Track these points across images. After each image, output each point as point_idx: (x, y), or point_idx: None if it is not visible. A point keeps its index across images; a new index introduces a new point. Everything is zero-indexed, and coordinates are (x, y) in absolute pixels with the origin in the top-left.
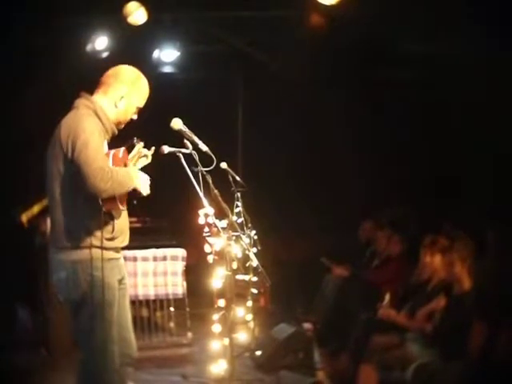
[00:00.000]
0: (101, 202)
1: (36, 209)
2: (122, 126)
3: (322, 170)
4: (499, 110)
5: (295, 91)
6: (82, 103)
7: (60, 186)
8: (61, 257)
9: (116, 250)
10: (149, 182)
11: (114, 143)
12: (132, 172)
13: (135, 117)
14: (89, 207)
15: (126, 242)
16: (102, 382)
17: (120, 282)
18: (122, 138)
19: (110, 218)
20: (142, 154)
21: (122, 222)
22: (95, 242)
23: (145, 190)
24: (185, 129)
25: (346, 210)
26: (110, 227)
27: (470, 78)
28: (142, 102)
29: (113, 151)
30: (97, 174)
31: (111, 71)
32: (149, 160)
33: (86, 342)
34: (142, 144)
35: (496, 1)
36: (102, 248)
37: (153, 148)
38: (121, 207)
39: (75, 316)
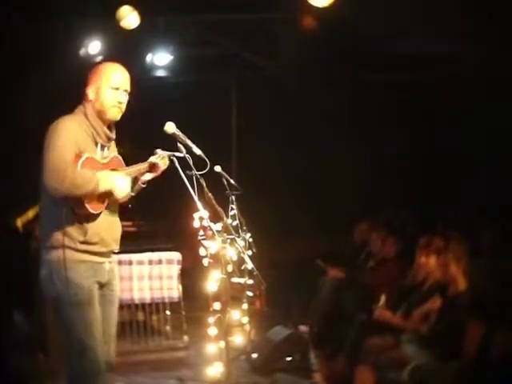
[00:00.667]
0: (71, 204)
1: (31, 214)
2: (112, 116)
3: (317, 172)
4: (497, 112)
5: (289, 93)
6: (77, 108)
7: (41, 188)
8: (43, 255)
9: (93, 253)
10: (128, 187)
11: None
12: (101, 175)
13: (121, 98)
14: (60, 209)
15: (108, 249)
16: (88, 373)
17: (103, 286)
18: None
19: (85, 220)
20: (160, 158)
21: (101, 229)
22: (68, 243)
23: (120, 193)
24: (178, 132)
25: (341, 212)
26: (83, 230)
27: (468, 79)
28: (113, 81)
29: (86, 155)
30: (51, 172)
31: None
32: (162, 170)
33: (67, 339)
34: (160, 155)
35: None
36: (65, 247)
37: (165, 154)
38: (91, 211)
39: (55, 313)
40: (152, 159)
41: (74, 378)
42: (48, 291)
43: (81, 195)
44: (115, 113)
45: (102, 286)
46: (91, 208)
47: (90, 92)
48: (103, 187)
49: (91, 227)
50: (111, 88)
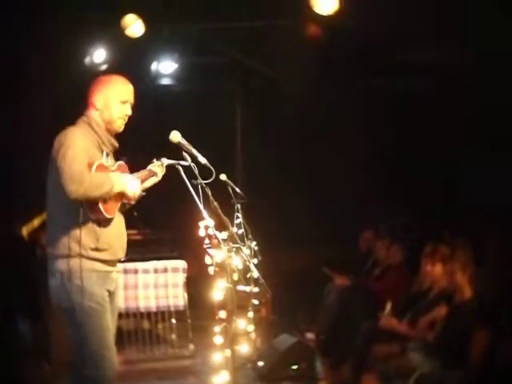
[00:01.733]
0: (82, 210)
1: (36, 222)
2: (118, 126)
3: (322, 180)
4: (498, 117)
5: (294, 101)
6: (81, 119)
7: (51, 197)
8: (53, 265)
9: (105, 262)
10: (139, 188)
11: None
12: (113, 177)
13: (127, 111)
14: (73, 216)
15: (115, 256)
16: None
17: (110, 295)
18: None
19: (97, 226)
20: (151, 174)
21: (112, 236)
22: (82, 251)
23: (133, 194)
24: (183, 141)
25: (347, 220)
26: (94, 237)
27: (469, 85)
28: (121, 95)
29: (98, 162)
30: (71, 175)
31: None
32: (159, 178)
33: (79, 348)
34: (158, 163)
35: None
36: (81, 256)
37: (161, 161)
38: (106, 215)
39: (68, 323)
40: (150, 167)
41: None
42: (61, 302)
43: (97, 198)
44: (121, 124)
45: (109, 294)
46: (106, 212)
47: (98, 102)
48: (117, 188)
49: (102, 233)
50: (120, 101)
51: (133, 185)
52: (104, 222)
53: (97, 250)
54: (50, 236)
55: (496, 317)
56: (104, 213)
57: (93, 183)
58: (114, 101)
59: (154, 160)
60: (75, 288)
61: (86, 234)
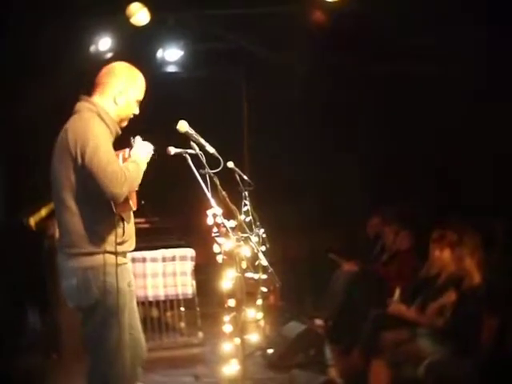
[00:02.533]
0: (114, 207)
1: (44, 212)
2: (125, 123)
3: (330, 166)
4: (501, 104)
5: (300, 87)
6: (84, 106)
7: (71, 193)
8: (71, 263)
9: (124, 254)
10: (150, 148)
11: (116, 143)
12: (137, 159)
13: (137, 111)
14: (100, 212)
15: (133, 246)
16: None
17: (128, 284)
18: (125, 138)
19: (122, 221)
20: None
21: (131, 226)
22: (108, 247)
23: (150, 153)
24: (191, 131)
25: (355, 205)
26: (120, 231)
27: (473, 70)
28: (140, 95)
29: (120, 152)
30: (111, 179)
31: (104, 70)
32: (151, 150)
33: (98, 347)
34: (138, 137)
35: None
36: (116, 254)
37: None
38: (132, 206)
39: (86, 322)
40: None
41: (103, 381)
42: (79, 301)
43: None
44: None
45: (128, 284)
46: (134, 204)
47: (119, 99)
48: (144, 167)
49: (126, 225)
50: (137, 101)
51: (147, 150)
52: (129, 214)
53: (122, 243)
54: (68, 233)
55: (505, 303)
56: (132, 205)
57: (130, 181)
58: (132, 98)
59: (132, 141)
60: (102, 285)
61: (114, 229)
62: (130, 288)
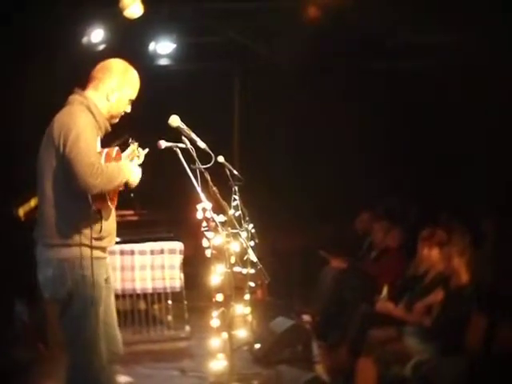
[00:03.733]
0: (91, 201)
1: (33, 202)
2: (116, 120)
3: (320, 162)
4: (498, 101)
5: (292, 82)
6: (75, 99)
7: (51, 182)
8: (48, 254)
9: (103, 249)
10: (140, 174)
11: (109, 138)
12: (123, 166)
13: (129, 109)
14: (79, 205)
15: (112, 243)
16: (91, 378)
17: (106, 280)
18: (117, 132)
19: (99, 217)
20: (136, 154)
21: (110, 223)
22: (84, 240)
23: (136, 180)
24: (183, 126)
25: (344, 202)
26: (98, 226)
27: (468, 65)
28: (133, 94)
29: (106, 150)
30: (86, 169)
31: (100, 66)
32: (140, 160)
33: (74, 340)
34: (136, 144)
35: None
36: (92, 247)
37: (146, 149)
38: (110, 206)
39: (62, 314)
40: (133, 149)
41: (80, 374)
42: (54, 292)
43: (109, 190)
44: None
45: (105, 280)
46: (111, 203)
47: (113, 96)
48: (126, 177)
49: (104, 222)
50: (129, 99)
51: (137, 173)
52: (108, 211)
53: (100, 239)
54: (46, 224)
55: (493, 302)
56: (109, 204)
57: (109, 176)
58: (126, 97)
59: (130, 141)
60: (78, 277)
61: (90, 224)
62: (107, 284)
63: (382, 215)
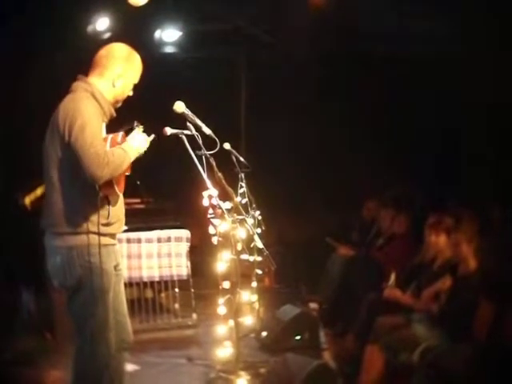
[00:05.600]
0: (97, 187)
1: (39, 191)
2: (119, 104)
3: (326, 149)
4: (501, 87)
5: (298, 69)
6: (79, 86)
7: (58, 170)
8: (56, 242)
9: (111, 236)
10: (146, 140)
11: (114, 124)
12: (127, 148)
13: (131, 93)
14: (86, 192)
15: (121, 229)
16: (99, 367)
17: (115, 267)
18: (123, 119)
19: (107, 203)
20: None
21: (118, 208)
22: (92, 227)
23: (143, 148)
24: (188, 112)
25: (351, 189)
26: (105, 212)
27: (464, 52)
28: (137, 78)
29: (111, 135)
30: (93, 161)
31: (103, 51)
32: (146, 146)
33: (82, 327)
34: (141, 128)
35: None
36: (99, 234)
37: (152, 135)
38: (118, 192)
39: (71, 302)
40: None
41: (89, 361)
42: (63, 280)
43: (116, 176)
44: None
45: (115, 267)
46: (119, 190)
47: (118, 81)
48: (132, 159)
49: (113, 210)
50: (133, 84)
51: (141, 144)
52: (116, 197)
53: (108, 225)
54: (54, 212)
55: (501, 289)
56: (117, 190)
57: (115, 165)
58: (130, 82)
59: (135, 125)
60: (86, 265)
61: (97, 210)
62: (116, 272)
63: (389, 202)
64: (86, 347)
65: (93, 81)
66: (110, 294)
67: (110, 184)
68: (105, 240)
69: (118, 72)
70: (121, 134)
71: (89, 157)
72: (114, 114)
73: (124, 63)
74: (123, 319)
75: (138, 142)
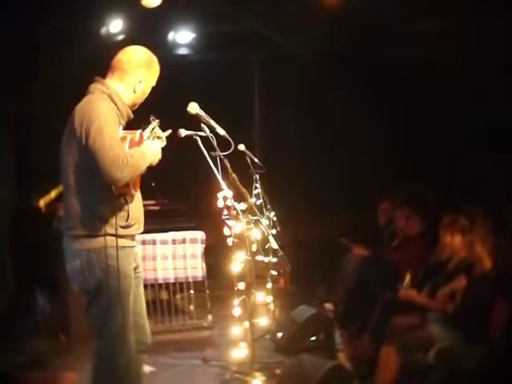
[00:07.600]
0: (114, 190)
1: (53, 193)
2: (137, 106)
3: (340, 150)
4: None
5: (311, 70)
6: (96, 88)
7: (74, 173)
8: (75, 245)
9: (131, 237)
10: (160, 153)
11: (128, 127)
12: (146, 150)
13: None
14: (103, 194)
15: (140, 230)
16: (118, 369)
17: (135, 270)
18: (137, 121)
19: (124, 203)
20: (156, 135)
21: (137, 210)
22: (110, 230)
23: (157, 159)
24: (202, 113)
25: (366, 189)
26: (124, 214)
27: (476, 55)
28: (154, 82)
29: (129, 136)
30: (112, 163)
31: (123, 56)
32: (164, 143)
33: (102, 330)
34: (157, 122)
35: None
36: (117, 236)
37: (169, 130)
38: (133, 192)
39: (91, 305)
40: (156, 130)
41: (108, 363)
42: (83, 283)
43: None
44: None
45: (134, 269)
46: (134, 189)
47: (139, 87)
48: (150, 161)
49: (132, 211)
50: (151, 86)
51: (158, 151)
52: (132, 198)
53: (127, 227)
54: (72, 215)
55: None
56: (132, 190)
57: (133, 167)
58: (149, 87)
59: (151, 119)
60: (106, 268)
61: (115, 212)
62: (136, 274)
63: (404, 203)
64: (106, 350)
65: (111, 83)
66: (130, 296)
67: (126, 184)
68: (124, 242)
69: (139, 78)
70: (138, 132)
71: (108, 158)
72: (132, 116)
73: (145, 69)
74: (142, 321)
75: (154, 149)
